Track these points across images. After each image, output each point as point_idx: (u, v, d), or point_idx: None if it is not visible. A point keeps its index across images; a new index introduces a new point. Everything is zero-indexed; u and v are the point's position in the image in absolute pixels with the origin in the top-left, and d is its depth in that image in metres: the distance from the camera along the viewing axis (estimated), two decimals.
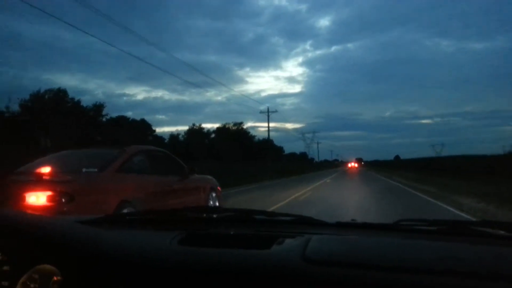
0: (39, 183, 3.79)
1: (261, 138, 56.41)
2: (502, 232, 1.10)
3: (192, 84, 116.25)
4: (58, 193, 3.73)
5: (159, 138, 39.39)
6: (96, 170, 4.33)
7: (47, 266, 0.89)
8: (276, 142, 63.97)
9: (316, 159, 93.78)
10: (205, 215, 1.41)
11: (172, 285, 0.80)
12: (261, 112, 44.19)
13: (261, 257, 0.88)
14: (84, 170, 4.27)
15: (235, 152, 40.19)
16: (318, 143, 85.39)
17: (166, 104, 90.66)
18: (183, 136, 47.48)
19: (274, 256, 0.89)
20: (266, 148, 44.56)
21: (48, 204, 3.67)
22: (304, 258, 0.83)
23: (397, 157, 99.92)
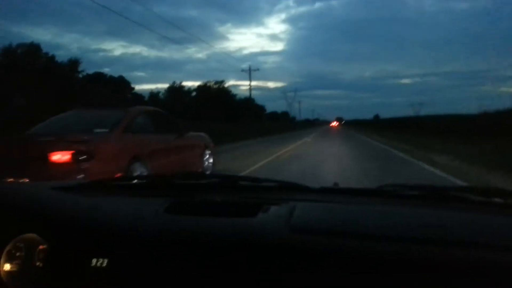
0: (61, 143, 4.11)
1: (242, 97, 55.10)
2: (482, 198, 1.13)
3: (171, 40, 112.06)
4: (79, 151, 4.05)
5: (138, 96, 38.37)
6: (107, 130, 4.73)
7: (32, 235, 0.88)
8: (258, 101, 63.47)
9: (298, 118, 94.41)
10: (191, 181, 1.40)
11: (157, 254, 0.79)
12: (242, 70, 42.72)
13: (247, 226, 0.88)
14: (96, 130, 4.66)
15: (216, 111, 39.05)
16: (299, 102, 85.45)
17: (145, 61, 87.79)
18: (163, 94, 45.96)
19: (260, 225, 0.89)
20: (248, 107, 43.87)
21: (71, 162, 3.98)
22: (290, 227, 0.84)
23: (376, 116, 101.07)
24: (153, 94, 44.45)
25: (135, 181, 1.42)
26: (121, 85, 36.68)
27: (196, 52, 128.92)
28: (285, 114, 78.10)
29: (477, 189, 1.27)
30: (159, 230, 0.86)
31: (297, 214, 0.93)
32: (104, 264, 0.78)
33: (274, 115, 72.34)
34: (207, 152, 7.49)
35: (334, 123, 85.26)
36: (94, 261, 0.79)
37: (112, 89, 31.27)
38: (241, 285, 0.71)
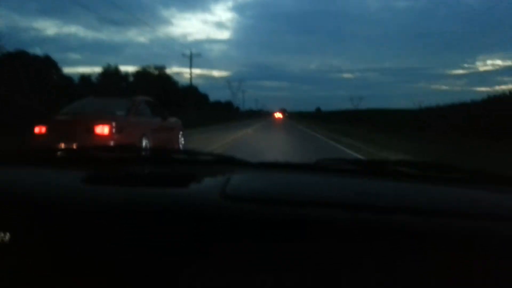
0: (101, 120, 6.08)
1: (185, 84, 53.30)
2: (415, 170, 1.20)
3: (111, 21, 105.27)
4: (113, 127, 6.08)
5: (66, 79, 35.42)
6: (124, 113, 6.65)
7: None
8: (202, 90, 62.19)
9: (242, 108, 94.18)
10: (118, 154, 1.33)
11: (77, 227, 0.73)
12: (183, 55, 39.75)
13: (176, 195, 0.86)
14: (117, 113, 6.56)
15: (156, 98, 38.38)
16: (243, 92, 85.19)
17: (81, 42, 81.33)
18: (97, 78, 41.77)
19: (191, 194, 0.89)
20: (189, 95, 42.27)
21: (107, 134, 5.97)
22: (223, 195, 0.82)
23: (318, 109, 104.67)
24: (84, 77, 40.04)
25: (60, 153, 1.34)
26: (46, 65, 33.63)
27: (138, 35, 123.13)
28: (228, 104, 77.36)
29: (410, 162, 1.30)
30: (79, 202, 0.79)
31: (232, 183, 0.93)
32: (6, 239, 0.71)
33: (218, 105, 70.84)
34: (181, 133, 9.49)
35: (278, 114, 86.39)
36: None
37: (36, 69, 28.39)
38: (168, 254, 0.67)
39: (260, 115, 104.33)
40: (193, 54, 38.28)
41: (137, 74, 44.60)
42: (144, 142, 6.88)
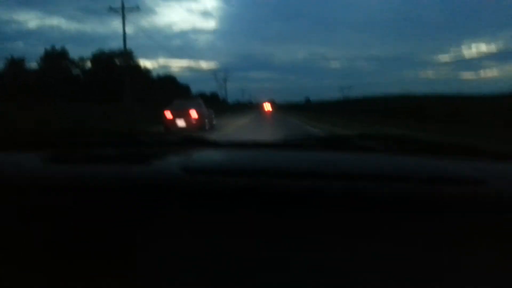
0: (194, 109, 14.35)
1: (161, 75, 48.45)
2: (373, 143, 1.24)
3: (94, 11, 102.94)
4: (201, 114, 14.54)
5: None
6: (198, 106, 14.83)
7: None
8: (189, 82, 61.28)
9: (229, 101, 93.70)
10: (80, 139, 1.36)
11: (37, 204, 0.74)
12: (111, 9, 25.22)
13: (137, 171, 0.88)
14: (196, 106, 14.72)
15: (118, 91, 29.20)
16: (225, 81, 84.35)
17: (65, 35, 79.31)
18: (39, 64, 34.72)
19: (151, 169, 0.90)
20: (166, 86, 39.53)
21: (198, 117, 14.18)
22: (184, 169, 0.84)
23: (307, 99, 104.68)
24: (14, 62, 33.17)
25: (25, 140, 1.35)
26: None
27: (121, 26, 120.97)
28: (214, 96, 76.78)
29: (373, 136, 1.35)
30: (40, 179, 0.82)
31: (194, 158, 0.97)
32: None
33: (202, 97, 69.85)
34: (213, 117, 17.05)
35: (267, 106, 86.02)
36: None
37: None
38: (127, 227, 0.70)
39: (248, 107, 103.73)
40: (128, 8, 25.48)
41: (95, 60, 37.59)
42: (206, 121, 14.75)
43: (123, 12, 24.89)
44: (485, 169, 0.95)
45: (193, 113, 14.06)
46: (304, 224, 0.69)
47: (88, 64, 38.36)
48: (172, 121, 13.90)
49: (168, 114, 14.06)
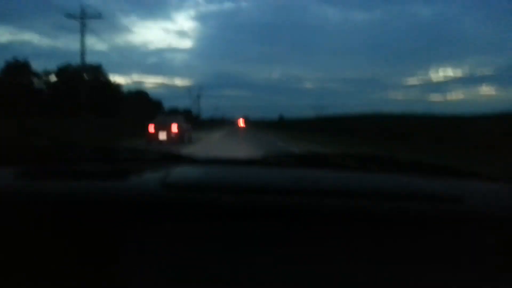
0: (174, 123, 15.62)
1: (133, 90, 47.68)
2: (351, 162, 1.27)
3: (67, 29, 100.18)
4: (181, 128, 15.78)
5: None
6: (180, 121, 16.33)
7: None
8: (163, 98, 60.48)
9: (203, 116, 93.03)
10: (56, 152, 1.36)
11: (10, 219, 0.72)
12: (69, 15, 22.01)
13: (116, 187, 0.87)
14: (180, 122, 16.32)
15: (86, 105, 26.52)
16: (199, 97, 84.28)
17: (37, 50, 76.20)
18: None
19: (131, 186, 0.90)
20: (135, 101, 38.59)
21: (177, 132, 15.34)
22: (164, 185, 0.84)
23: (280, 116, 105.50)
24: None
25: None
26: None
27: (96, 43, 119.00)
28: (188, 112, 75.95)
29: (351, 155, 1.36)
30: (11, 195, 0.80)
31: (174, 175, 0.96)
32: None
33: (175, 112, 69.29)
34: (191, 131, 18.19)
35: (240, 123, 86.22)
36: None
37: None
38: (108, 245, 0.69)
39: (222, 123, 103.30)
40: (90, 14, 22.39)
41: (60, 74, 35.33)
42: (185, 135, 15.98)
43: (82, 19, 22.33)
44: (461, 188, 0.96)
45: (174, 127, 15.13)
46: (282, 239, 0.69)
47: (53, 78, 36.06)
48: (155, 134, 14.98)
49: (151, 128, 15.25)
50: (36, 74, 34.64)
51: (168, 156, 1.26)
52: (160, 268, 0.66)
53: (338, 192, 0.85)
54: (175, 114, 21.07)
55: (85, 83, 25.46)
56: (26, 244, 0.69)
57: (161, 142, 14.67)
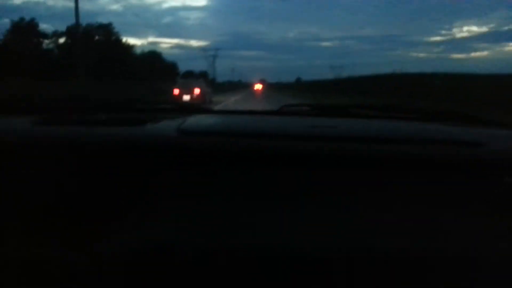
0: (197, 86, 17.76)
1: (146, 52, 44.88)
2: (372, 111, 1.27)
3: None
4: (202, 90, 17.83)
5: None
6: (201, 84, 18.66)
7: None
8: (178, 60, 59.74)
9: (218, 80, 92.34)
10: (76, 105, 1.36)
11: (33, 164, 0.74)
12: None
13: (132, 133, 0.88)
14: (200, 84, 18.66)
15: (98, 67, 27.16)
16: (215, 59, 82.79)
17: (51, 11, 75.53)
18: (5, 37, 29.09)
19: (147, 131, 0.92)
20: (151, 64, 36.96)
21: (199, 93, 17.19)
22: (180, 130, 0.85)
23: (298, 79, 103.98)
24: None
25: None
26: None
27: (110, 3, 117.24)
28: (204, 74, 75.35)
29: (368, 105, 1.41)
30: (36, 140, 0.82)
31: (189, 122, 0.97)
32: None
33: (191, 75, 68.37)
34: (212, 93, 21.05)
35: (258, 86, 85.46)
36: None
37: None
38: (126, 188, 0.71)
39: (239, 86, 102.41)
40: None
41: (68, 34, 33.02)
42: (206, 97, 17.57)
43: None
44: (483, 134, 0.95)
45: (197, 90, 17.37)
46: (300, 184, 0.69)
47: (63, 39, 34.29)
48: (179, 96, 17.15)
49: (176, 91, 17.53)
50: (44, 35, 32.79)
51: (185, 107, 1.29)
52: (178, 212, 0.67)
53: (357, 138, 0.83)
54: (197, 78, 23.76)
55: (86, 41, 24.62)
56: (52, 188, 0.71)
57: (186, 102, 16.46)
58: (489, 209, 0.67)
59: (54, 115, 1.14)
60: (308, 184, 0.69)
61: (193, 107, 1.31)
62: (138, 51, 43.38)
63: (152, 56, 42.69)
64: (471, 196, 0.68)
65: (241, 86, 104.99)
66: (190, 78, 22.05)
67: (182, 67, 67.71)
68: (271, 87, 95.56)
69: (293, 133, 0.87)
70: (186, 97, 16.79)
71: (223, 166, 0.72)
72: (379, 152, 0.75)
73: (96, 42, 32.08)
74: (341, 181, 0.70)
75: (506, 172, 0.71)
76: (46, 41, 33.87)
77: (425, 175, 0.70)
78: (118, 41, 36.58)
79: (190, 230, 0.65)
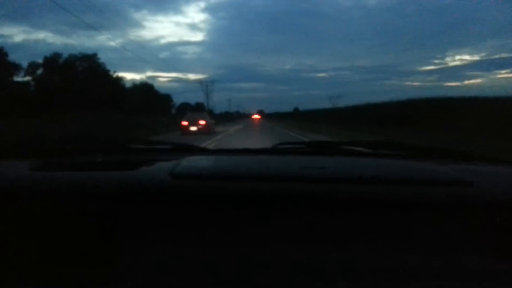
0: (202, 119, 20.62)
1: (138, 84, 43.77)
2: (361, 148, 1.26)
3: (80, 25, 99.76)
4: (207, 122, 20.61)
5: None
6: (207, 117, 21.56)
7: None
8: (175, 93, 59.83)
9: (215, 111, 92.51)
10: (70, 145, 1.37)
11: (27, 212, 0.75)
12: None
13: (126, 177, 0.88)
14: (205, 117, 21.23)
15: (87, 97, 26.20)
16: (211, 91, 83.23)
17: (50, 48, 76.14)
18: None
19: (141, 175, 0.92)
20: (145, 97, 36.47)
21: (204, 125, 20.15)
22: (172, 174, 0.86)
23: (296, 109, 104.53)
24: None
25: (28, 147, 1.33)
26: None
27: (109, 39, 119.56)
28: (200, 106, 75.14)
29: (358, 142, 1.35)
30: (28, 187, 0.82)
31: (182, 164, 0.97)
32: None
33: (186, 107, 67.58)
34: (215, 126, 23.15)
35: (256, 116, 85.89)
36: None
37: None
38: (119, 233, 0.72)
39: (236, 117, 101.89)
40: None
41: (45, 65, 30.43)
42: (210, 127, 20.21)
43: None
44: (473, 171, 0.96)
45: (202, 122, 20.33)
46: (294, 225, 0.70)
47: (40, 71, 30.59)
48: (187, 127, 20.07)
49: (184, 123, 20.47)
50: (15, 66, 28.88)
51: (179, 147, 1.28)
52: (169, 256, 0.67)
53: (347, 179, 0.84)
54: (201, 111, 27.14)
55: (67, 72, 23.45)
56: (45, 230, 0.71)
57: (193, 132, 19.59)
58: (479, 250, 0.68)
59: (52, 158, 1.14)
60: (297, 225, 0.70)
61: (188, 147, 1.26)
62: (130, 84, 41.48)
63: (145, 89, 41.37)
64: (461, 237, 0.69)
65: (239, 117, 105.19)
66: (196, 112, 24.43)
67: (179, 99, 67.92)
68: (269, 118, 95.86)
69: (283, 175, 0.88)
70: (193, 128, 20.18)
71: (215, 210, 0.73)
72: (365, 194, 0.76)
73: (79, 74, 29.38)
74: (328, 222, 0.71)
75: (496, 212, 0.71)
76: (22, 73, 30.20)
77: (412, 216, 0.71)
78: (105, 72, 33.69)
79: (184, 276, 0.66)
